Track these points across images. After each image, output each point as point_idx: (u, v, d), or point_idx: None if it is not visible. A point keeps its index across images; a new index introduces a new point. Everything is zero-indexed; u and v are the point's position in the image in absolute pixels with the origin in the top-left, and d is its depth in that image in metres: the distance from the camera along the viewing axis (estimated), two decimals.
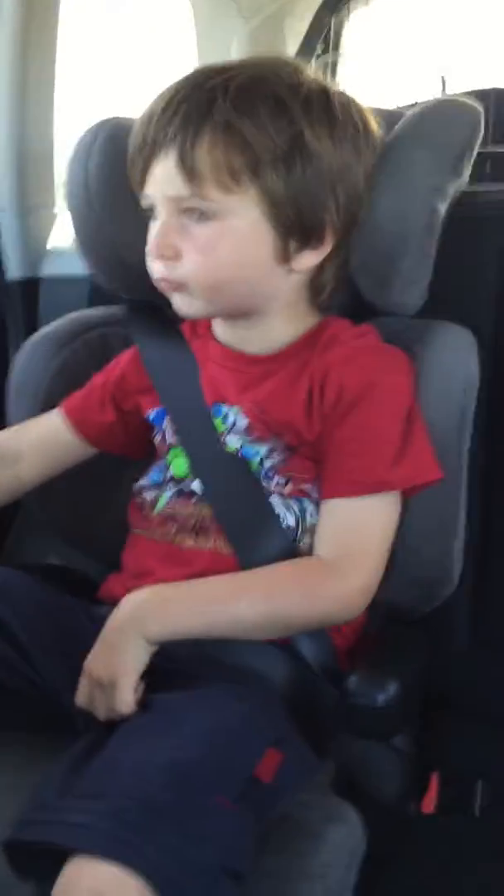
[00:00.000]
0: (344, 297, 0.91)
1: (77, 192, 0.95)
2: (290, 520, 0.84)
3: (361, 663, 0.79)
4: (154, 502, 0.90)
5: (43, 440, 0.97)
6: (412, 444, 0.81)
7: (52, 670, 0.81)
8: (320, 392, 0.83)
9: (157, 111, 0.79)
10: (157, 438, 0.93)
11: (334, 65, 1.67)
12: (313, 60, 1.62)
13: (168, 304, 0.87)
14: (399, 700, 0.76)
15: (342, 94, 0.83)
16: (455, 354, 0.86)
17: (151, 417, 0.94)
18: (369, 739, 0.79)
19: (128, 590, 0.84)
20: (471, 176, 0.90)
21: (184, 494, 0.88)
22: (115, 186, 0.91)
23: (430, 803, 0.87)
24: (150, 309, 0.91)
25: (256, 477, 0.85)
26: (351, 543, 0.81)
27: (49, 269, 1.33)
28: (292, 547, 0.84)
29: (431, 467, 0.82)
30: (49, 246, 1.35)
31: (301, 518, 0.84)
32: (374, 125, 0.84)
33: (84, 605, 0.90)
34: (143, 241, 0.84)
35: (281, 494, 0.85)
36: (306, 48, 1.59)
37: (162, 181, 0.80)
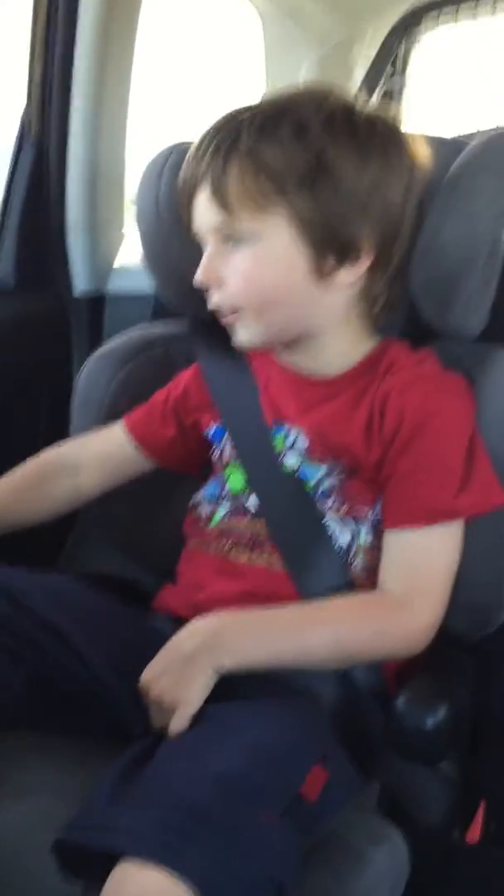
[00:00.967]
0: (404, 320, 0.92)
1: (147, 211, 0.98)
2: (343, 540, 0.85)
3: (411, 686, 0.79)
4: (210, 517, 0.91)
5: (104, 452, 1.00)
6: (476, 470, 0.81)
7: (109, 677, 0.82)
8: (380, 418, 0.84)
9: (194, 151, 0.83)
10: (216, 454, 0.95)
11: (400, 90, 1.68)
12: (379, 87, 1.62)
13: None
14: (447, 724, 0.76)
15: (370, 111, 0.83)
16: None
17: (211, 433, 0.95)
18: (416, 763, 0.79)
19: (185, 603, 0.86)
20: None
21: (240, 510, 0.89)
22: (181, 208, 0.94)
23: (475, 832, 0.86)
24: (214, 327, 0.93)
25: (311, 497, 0.86)
26: (418, 577, 0.81)
27: (115, 286, 1.36)
28: (345, 567, 0.84)
29: (496, 493, 0.82)
30: (116, 264, 1.38)
31: (355, 538, 0.85)
32: (406, 139, 0.84)
33: (138, 615, 0.91)
34: None
35: (336, 514, 0.85)
36: (373, 74, 1.60)
37: (202, 213, 0.83)
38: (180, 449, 0.99)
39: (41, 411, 1.30)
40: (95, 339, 1.31)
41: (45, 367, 1.30)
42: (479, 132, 0.92)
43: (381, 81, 1.63)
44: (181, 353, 1.05)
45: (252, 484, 0.89)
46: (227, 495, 0.91)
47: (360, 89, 1.60)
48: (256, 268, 0.81)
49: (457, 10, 1.62)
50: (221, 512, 0.91)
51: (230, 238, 0.82)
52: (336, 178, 0.79)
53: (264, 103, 0.83)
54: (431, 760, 0.79)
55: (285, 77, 1.68)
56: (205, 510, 0.93)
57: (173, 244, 0.96)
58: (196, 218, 0.85)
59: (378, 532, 0.85)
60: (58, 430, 1.08)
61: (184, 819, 0.62)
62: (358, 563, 0.85)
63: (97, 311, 1.35)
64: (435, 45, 1.70)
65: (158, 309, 1.21)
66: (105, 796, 0.68)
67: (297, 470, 0.87)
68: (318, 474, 0.86)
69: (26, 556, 0.89)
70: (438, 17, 1.64)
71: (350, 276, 0.83)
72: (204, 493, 0.94)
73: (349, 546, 0.85)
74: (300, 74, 1.64)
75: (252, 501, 0.89)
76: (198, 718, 0.75)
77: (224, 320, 0.87)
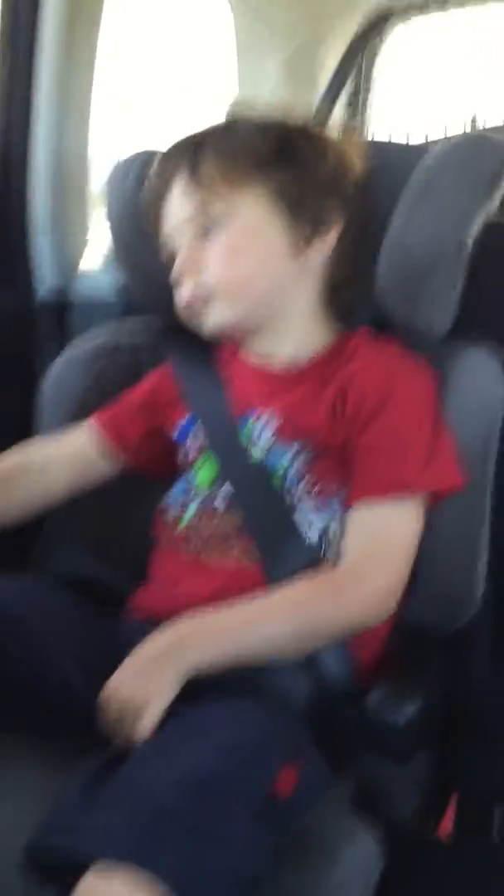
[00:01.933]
0: (373, 321, 0.92)
1: (117, 208, 0.98)
2: (314, 530, 0.85)
3: (383, 682, 0.79)
4: (179, 518, 0.91)
5: (72, 453, 0.99)
6: (438, 449, 0.83)
7: (79, 681, 0.81)
8: (343, 398, 0.85)
9: (163, 156, 0.89)
10: (182, 453, 0.95)
11: (365, 94, 1.69)
12: (344, 91, 1.64)
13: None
14: (419, 719, 0.76)
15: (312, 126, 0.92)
16: (481, 376, 0.87)
17: (181, 428, 0.95)
18: (388, 758, 0.79)
19: (158, 605, 0.86)
20: (501, 205, 0.91)
21: (209, 508, 0.89)
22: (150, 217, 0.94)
23: (447, 826, 0.87)
24: (182, 326, 0.93)
25: (281, 487, 0.86)
26: (374, 548, 0.82)
27: (81, 288, 1.35)
28: (318, 558, 0.84)
29: (456, 474, 0.83)
30: (82, 266, 1.37)
31: (326, 529, 0.85)
32: (353, 144, 0.92)
33: (110, 618, 0.91)
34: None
35: (309, 496, 0.86)
36: (339, 76, 1.62)
37: (177, 208, 0.87)
38: (149, 449, 0.99)
39: (4, 415, 1.28)
40: (61, 342, 1.30)
41: (9, 369, 1.29)
42: (444, 139, 0.93)
43: (348, 83, 1.63)
44: (149, 352, 1.05)
45: (224, 473, 0.89)
46: (195, 492, 0.91)
47: (327, 90, 1.60)
48: (237, 245, 0.86)
49: (421, 13, 1.64)
50: (190, 512, 0.91)
51: (205, 227, 0.86)
52: (301, 158, 0.86)
53: (215, 125, 0.90)
54: (404, 756, 0.79)
55: (255, 76, 1.68)
56: (174, 510, 0.92)
57: (144, 241, 0.95)
58: (169, 217, 0.88)
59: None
60: (22, 434, 1.07)
61: (154, 820, 0.62)
62: (329, 554, 0.85)
63: (63, 313, 1.34)
64: (401, 48, 1.71)
65: (125, 310, 1.20)
66: (75, 800, 0.67)
67: (265, 457, 0.88)
68: (287, 455, 0.87)
69: None
70: (403, 20, 1.65)
71: (322, 249, 0.87)
72: (172, 495, 0.94)
73: (320, 537, 0.85)
74: (269, 74, 1.64)
75: (221, 497, 0.89)
76: (167, 721, 0.75)
77: (193, 311, 0.88)
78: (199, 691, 0.76)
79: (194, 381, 0.95)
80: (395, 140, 1.03)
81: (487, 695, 0.96)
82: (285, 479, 0.87)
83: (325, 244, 0.87)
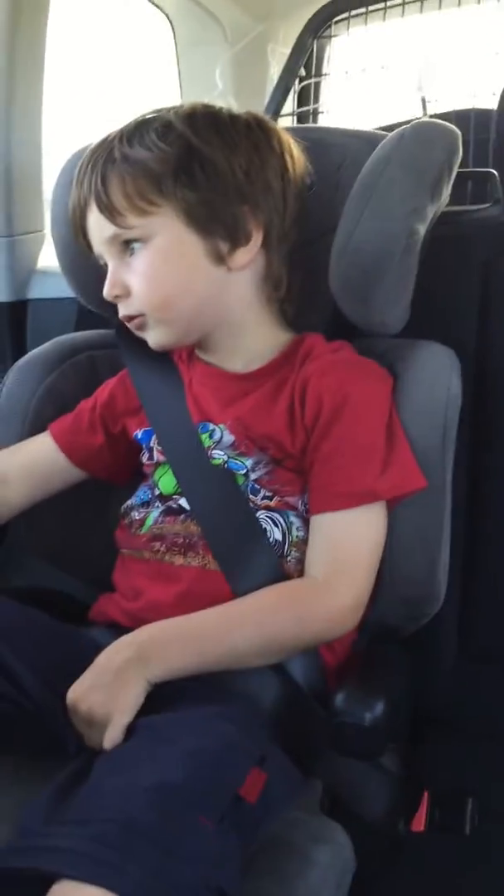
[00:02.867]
0: (327, 321, 0.92)
1: (61, 217, 0.96)
2: (276, 534, 0.85)
3: (348, 682, 0.79)
4: (142, 521, 0.91)
5: (30, 463, 0.98)
6: (395, 452, 0.83)
7: (42, 694, 0.80)
8: (301, 405, 0.85)
9: (77, 175, 0.87)
10: (145, 457, 0.94)
11: (316, 87, 1.69)
12: (296, 83, 1.63)
13: None
14: (386, 718, 0.76)
15: (229, 108, 0.88)
16: (436, 372, 0.87)
17: (139, 437, 0.94)
18: (356, 758, 0.79)
19: (123, 611, 0.85)
20: (452, 196, 0.91)
21: (172, 512, 0.89)
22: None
23: (420, 822, 0.87)
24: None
25: (243, 491, 0.86)
26: (339, 559, 0.81)
27: (37, 291, 1.34)
28: (279, 562, 0.84)
29: (416, 475, 0.83)
30: (38, 267, 1.36)
31: (287, 533, 0.85)
32: (272, 128, 0.89)
33: (74, 628, 0.89)
34: None
35: (268, 508, 0.85)
36: (288, 72, 1.61)
37: (97, 230, 0.87)
38: (109, 457, 0.98)
39: None
40: (19, 348, 1.28)
41: None
42: (397, 124, 0.92)
43: (297, 78, 1.63)
44: (106, 358, 1.04)
45: (182, 483, 0.88)
46: (158, 498, 0.91)
47: (276, 87, 1.60)
48: (155, 266, 0.84)
49: (366, 12, 1.63)
50: (153, 516, 0.90)
51: (127, 246, 0.85)
52: (208, 163, 0.83)
53: (132, 120, 0.87)
54: (372, 755, 0.79)
55: (200, 76, 1.67)
56: (137, 515, 0.92)
57: (88, 250, 0.94)
58: (93, 237, 0.88)
59: (308, 525, 0.85)
60: None
61: (119, 833, 0.61)
62: (292, 557, 0.85)
63: (19, 316, 1.32)
64: (350, 43, 1.71)
65: (83, 313, 1.19)
66: (39, 817, 0.67)
67: (225, 463, 0.87)
68: (245, 466, 0.87)
69: None
70: (349, 17, 1.65)
71: (246, 256, 0.86)
72: (135, 499, 0.93)
73: (283, 540, 0.85)
74: (216, 73, 1.63)
75: (184, 502, 0.88)
76: (131, 731, 0.74)
77: (133, 328, 0.89)
78: (164, 701, 0.76)
79: (152, 389, 0.94)
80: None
81: (454, 690, 0.97)
82: (246, 487, 0.86)
83: (250, 249, 0.86)
